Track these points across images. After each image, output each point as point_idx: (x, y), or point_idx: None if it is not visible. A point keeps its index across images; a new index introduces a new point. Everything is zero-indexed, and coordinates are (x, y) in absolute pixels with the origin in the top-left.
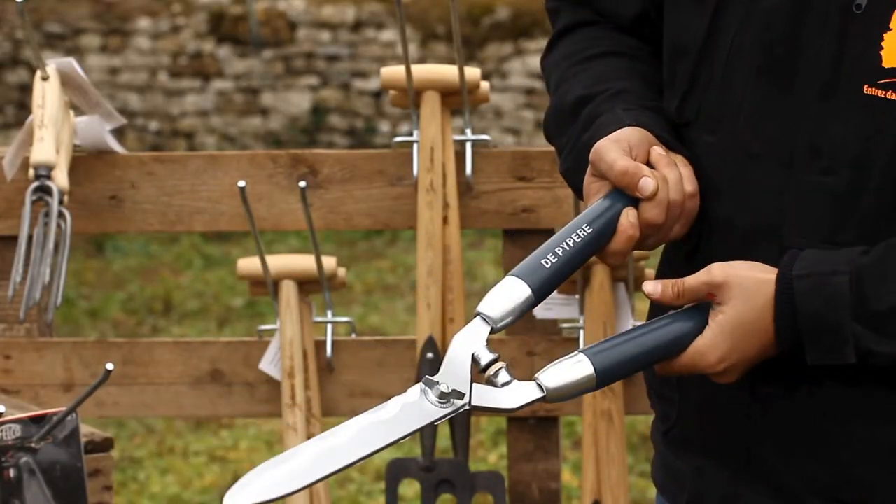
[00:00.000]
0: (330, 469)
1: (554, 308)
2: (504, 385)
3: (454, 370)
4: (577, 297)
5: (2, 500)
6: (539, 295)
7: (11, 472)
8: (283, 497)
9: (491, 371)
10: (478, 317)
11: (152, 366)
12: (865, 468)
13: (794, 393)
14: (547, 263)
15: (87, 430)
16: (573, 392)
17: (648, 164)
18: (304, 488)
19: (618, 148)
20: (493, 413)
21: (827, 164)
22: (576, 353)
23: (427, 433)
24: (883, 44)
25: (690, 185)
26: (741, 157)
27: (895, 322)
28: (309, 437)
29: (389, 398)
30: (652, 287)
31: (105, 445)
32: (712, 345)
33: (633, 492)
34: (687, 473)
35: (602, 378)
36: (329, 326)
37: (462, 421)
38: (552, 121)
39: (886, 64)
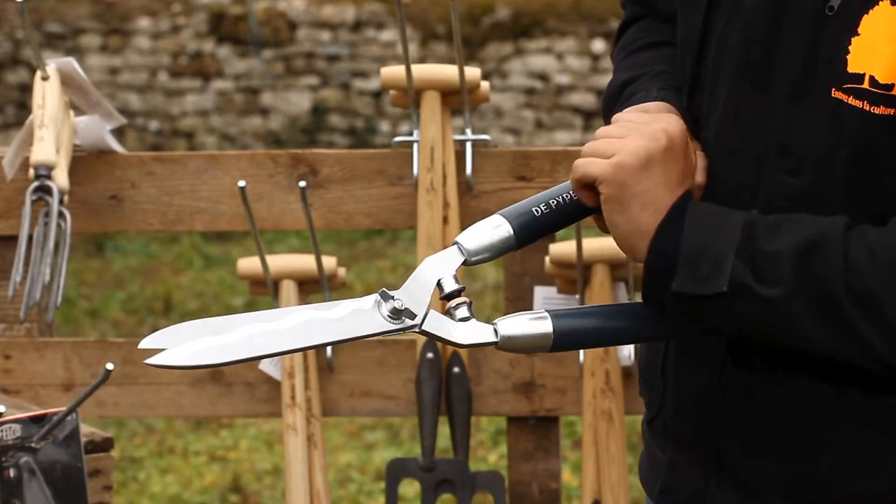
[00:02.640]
0: (265, 351)
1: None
2: (461, 320)
3: (415, 290)
4: (577, 297)
5: (2, 500)
6: (520, 239)
7: (11, 472)
8: (207, 367)
9: (453, 303)
10: (454, 245)
11: None
12: (828, 469)
13: (761, 394)
14: (537, 212)
15: (87, 430)
16: (526, 346)
17: None
18: (233, 363)
19: None
20: (441, 342)
21: (794, 165)
22: (542, 310)
23: (427, 433)
24: (850, 48)
25: (701, 177)
26: (721, 154)
27: (776, 266)
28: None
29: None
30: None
31: (105, 445)
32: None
33: (634, 491)
34: (662, 464)
35: (559, 341)
36: None
37: (462, 421)
38: (604, 105)
39: (851, 69)
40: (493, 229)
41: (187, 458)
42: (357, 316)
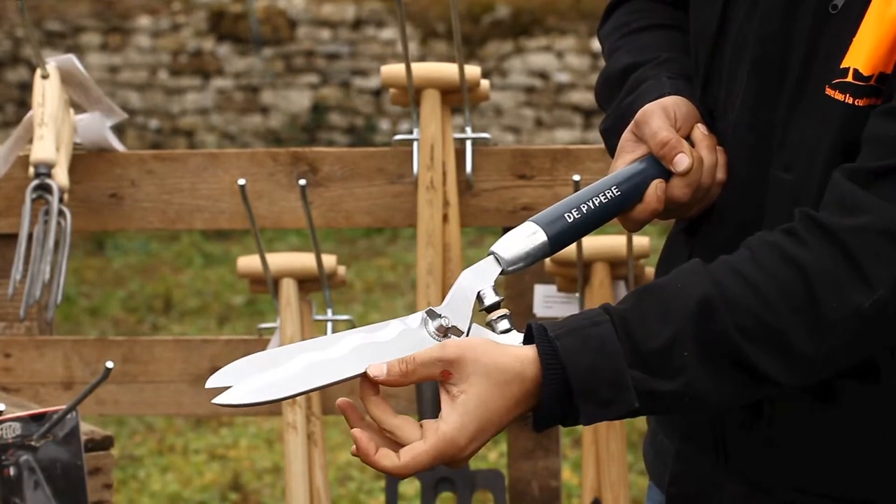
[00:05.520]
0: (321, 382)
1: (554, 306)
2: (503, 332)
3: (458, 306)
4: (577, 295)
5: (2, 498)
6: (554, 245)
7: (11, 471)
8: (269, 402)
9: (493, 315)
10: (490, 256)
11: (152, 364)
12: (835, 462)
13: None
14: (570, 217)
15: (87, 428)
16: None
17: (689, 139)
18: (293, 396)
19: (663, 116)
20: None
21: (788, 161)
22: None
23: None
24: (850, 46)
25: (722, 173)
26: (739, 149)
27: (670, 359)
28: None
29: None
30: (377, 370)
31: (105, 443)
32: (460, 427)
33: (634, 490)
34: (671, 453)
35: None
36: (329, 324)
37: None
38: (603, 87)
39: (843, 65)
40: (528, 237)
41: (187, 456)
42: (406, 337)
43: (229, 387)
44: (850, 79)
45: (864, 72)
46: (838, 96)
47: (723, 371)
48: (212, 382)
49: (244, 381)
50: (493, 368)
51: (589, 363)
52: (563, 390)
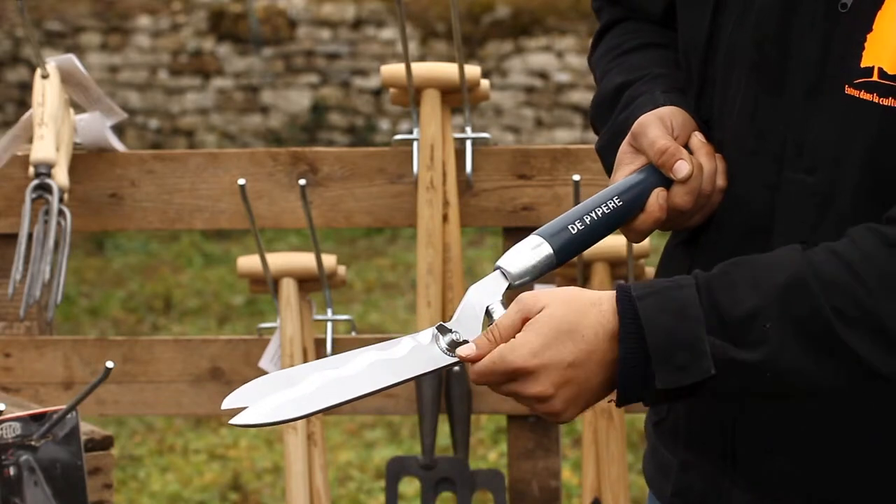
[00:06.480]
0: (337, 399)
1: None
2: None
3: (467, 321)
4: None
5: (2, 498)
6: (560, 257)
7: (11, 470)
8: (286, 422)
9: None
10: (497, 270)
11: (152, 364)
12: (841, 468)
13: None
14: (573, 229)
15: (87, 428)
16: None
17: (687, 147)
18: (310, 415)
19: (660, 125)
20: None
21: (810, 163)
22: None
23: (427, 431)
24: (865, 44)
25: (722, 179)
26: (739, 155)
27: (751, 329)
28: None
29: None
30: (467, 350)
31: (105, 443)
32: (524, 341)
33: (634, 490)
34: (673, 466)
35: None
36: (329, 324)
37: (462, 418)
38: (597, 109)
39: (863, 63)
40: (533, 250)
41: (187, 456)
42: (418, 353)
43: (245, 407)
44: (875, 78)
45: (890, 70)
46: (865, 96)
47: (811, 351)
48: (228, 403)
49: (260, 401)
50: (570, 295)
51: (667, 325)
52: (641, 349)
